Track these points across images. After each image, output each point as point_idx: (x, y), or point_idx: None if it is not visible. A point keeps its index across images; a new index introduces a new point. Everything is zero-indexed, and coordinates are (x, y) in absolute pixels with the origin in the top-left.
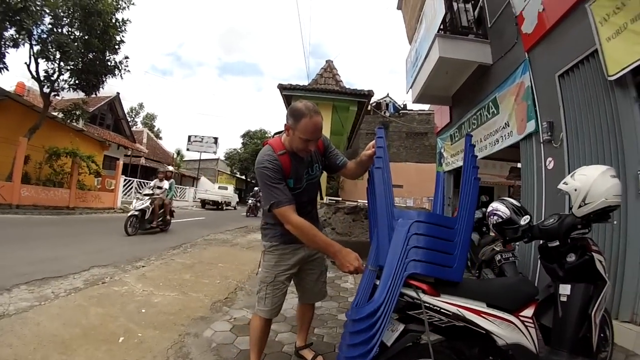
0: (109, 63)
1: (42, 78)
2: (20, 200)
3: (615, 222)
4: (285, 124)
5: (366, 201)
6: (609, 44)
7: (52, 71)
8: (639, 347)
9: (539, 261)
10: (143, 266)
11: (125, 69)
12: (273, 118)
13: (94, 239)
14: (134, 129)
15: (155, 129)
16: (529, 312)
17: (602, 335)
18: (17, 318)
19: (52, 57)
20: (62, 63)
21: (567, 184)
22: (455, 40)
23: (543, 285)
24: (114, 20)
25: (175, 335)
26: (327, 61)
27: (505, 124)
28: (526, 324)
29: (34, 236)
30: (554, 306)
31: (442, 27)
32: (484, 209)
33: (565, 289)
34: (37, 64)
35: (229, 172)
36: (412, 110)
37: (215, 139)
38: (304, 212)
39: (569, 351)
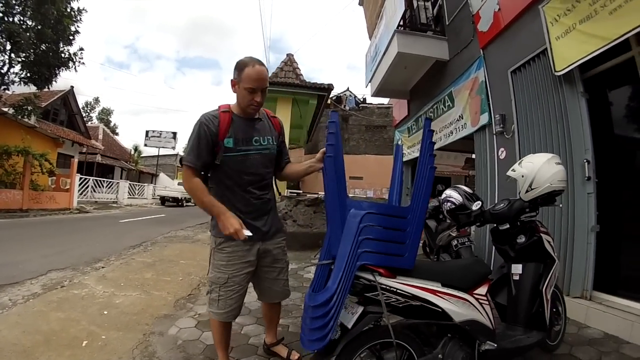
0: (62, 55)
1: None
2: None
3: (561, 206)
4: (231, 81)
5: None
6: (558, 43)
7: (1, 63)
8: (589, 319)
9: (493, 244)
10: (103, 267)
11: (79, 62)
12: None
13: (50, 241)
14: (89, 124)
15: (112, 124)
16: (482, 290)
17: (554, 310)
18: None
19: (1, 48)
20: (12, 55)
21: (515, 171)
22: (413, 36)
23: (497, 267)
24: (69, 9)
25: (139, 335)
26: (287, 55)
27: (460, 116)
28: (480, 301)
29: None
30: (508, 285)
31: (401, 23)
32: (440, 197)
33: (517, 269)
34: None
35: None
36: (371, 104)
37: (174, 133)
38: (253, 196)
39: (524, 326)
